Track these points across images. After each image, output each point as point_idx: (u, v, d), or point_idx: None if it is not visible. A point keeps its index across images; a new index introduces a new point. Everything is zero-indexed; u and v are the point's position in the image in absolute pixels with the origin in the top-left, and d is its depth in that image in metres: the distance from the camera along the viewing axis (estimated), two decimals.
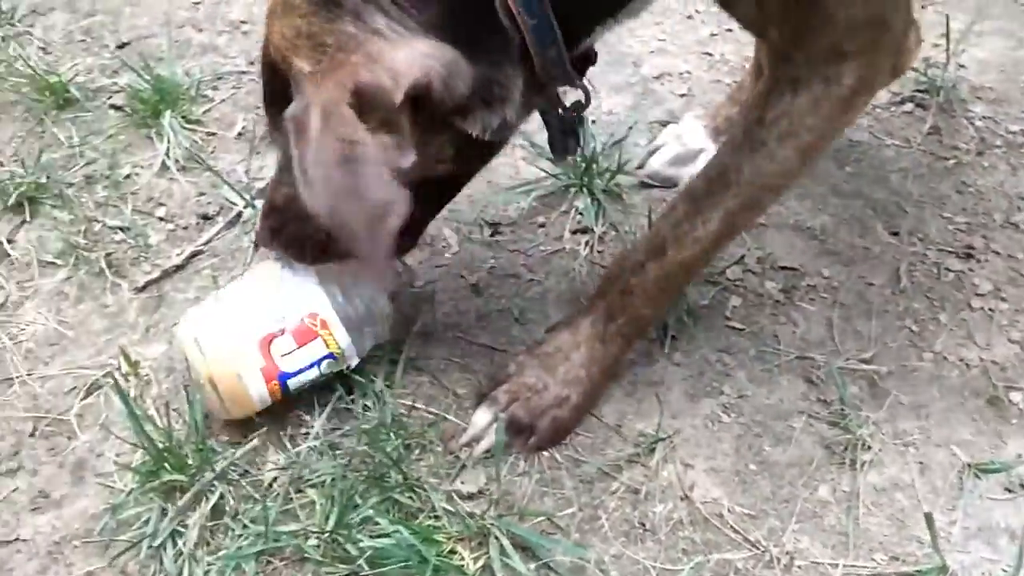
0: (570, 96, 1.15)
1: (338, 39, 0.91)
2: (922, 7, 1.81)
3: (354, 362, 1.23)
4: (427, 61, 0.90)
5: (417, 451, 1.22)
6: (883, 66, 1.07)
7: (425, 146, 0.97)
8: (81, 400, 1.31)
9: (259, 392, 1.18)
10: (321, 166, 0.87)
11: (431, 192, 1.09)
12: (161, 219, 1.53)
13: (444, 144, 1.01)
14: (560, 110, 1.16)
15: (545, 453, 1.24)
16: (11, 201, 1.52)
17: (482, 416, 1.24)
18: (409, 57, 0.89)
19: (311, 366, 1.20)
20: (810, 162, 1.11)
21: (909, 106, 1.65)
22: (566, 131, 1.21)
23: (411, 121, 0.92)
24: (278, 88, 0.97)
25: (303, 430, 1.23)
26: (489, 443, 1.22)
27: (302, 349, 1.19)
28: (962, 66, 1.70)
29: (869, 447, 1.24)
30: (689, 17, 1.84)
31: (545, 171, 1.55)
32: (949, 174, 1.55)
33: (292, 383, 1.20)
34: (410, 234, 1.18)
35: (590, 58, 1.13)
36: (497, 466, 1.18)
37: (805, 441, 1.25)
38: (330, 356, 1.20)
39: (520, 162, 1.59)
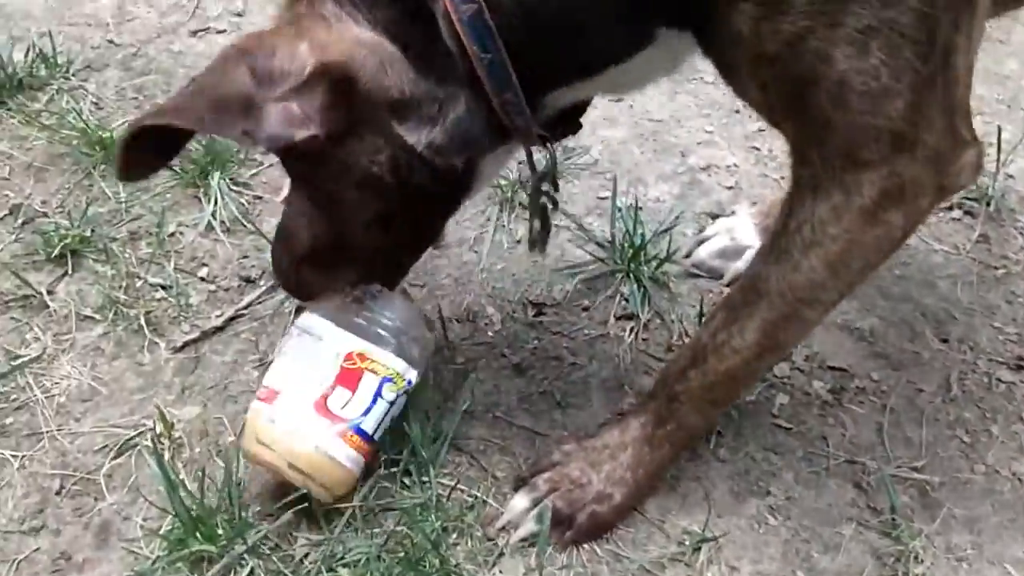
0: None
1: (287, 16, 1.00)
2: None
3: (414, 375, 1.20)
4: (356, 48, 0.96)
5: (455, 535, 1.19)
6: (918, 182, 0.98)
7: (356, 137, 1.01)
8: (111, 460, 1.27)
9: (346, 454, 1.14)
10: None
11: (403, 226, 1.13)
12: (203, 279, 1.52)
13: (378, 144, 1.02)
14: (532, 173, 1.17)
15: (585, 546, 1.20)
16: (54, 253, 1.51)
17: (520, 501, 1.20)
18: (339, 39, 0.95)
19: (374, 400, 1.16)
20: (842, 275, 1.04)
21: (957, 213, 1.64)
22: (531, 211, 1.22)
23: (330, 102, 0.96)
24: None
25: (339, 504, 1.20)
26: (527, 531, 1.18)
27: (358, 391, 1.16)
28: (1010, 176, 1.70)
29: (921, 560, 1.19)
30: (736, 111, 1.86)
31: (591, 254, 1.54)
32: (999, 283, 1.54)
33: (367, 427, 1.16)
34: (389, 272, 1.24)
35: (573, 122, 1.14)
36: (540, 556, 1.14)
37: (855, 549, 1.21)
38: (386, 380, 1.17)
39: (566, 244, 1.58)
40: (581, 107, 1.15)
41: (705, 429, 1.25)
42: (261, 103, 0.93)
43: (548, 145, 1.11)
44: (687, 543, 1.20)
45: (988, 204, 1.64)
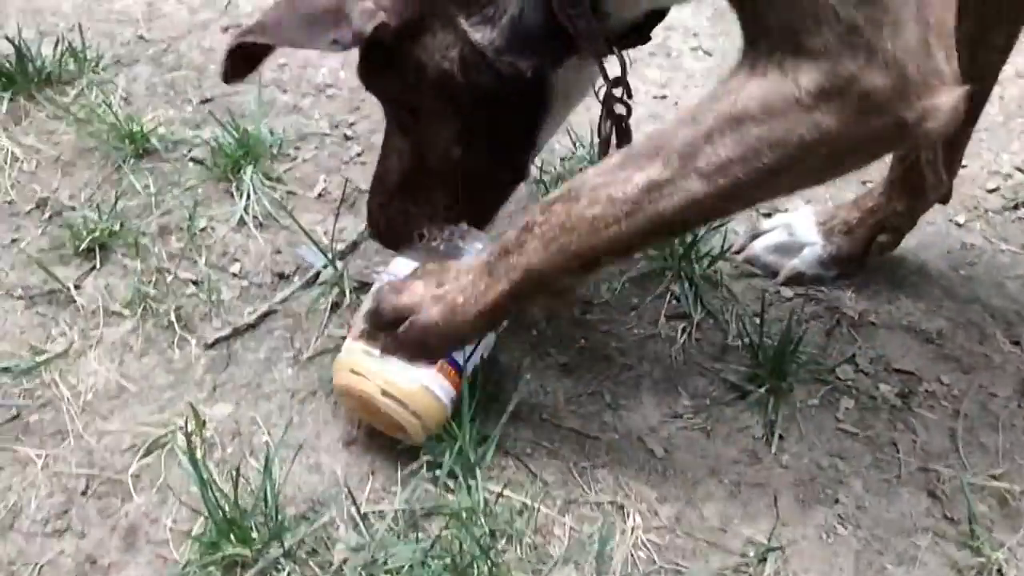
0: None
1: None
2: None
3: None
4: None
5: (503, 540, 1.11)
6: (871, 94, 0.86)
7: (428, 32, 1.05)
8: (139, 459, 1.21)
9: (439, 384, 1.15)
10: None
11: (483, 148, 1.15)
12: (235, 275, 1.46)
13: (448, 40, 1.06)
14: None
15: (642, 554, 1.12)
16: (82, 246, 1.45)
17: (366, 303, 1.18)
18: None
19: None
20: (751, 160, 0.91)
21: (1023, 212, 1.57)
22: (604, 117, 1.19)
23: None
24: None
25: (380, 507, 1.13)
26: (358, 329, 1.17)
27: None
28: None
29: (1004, 574, 1.11)
30: None
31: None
32: None
33: (459, 358, 1.17)
34: (475, 207, 1.23)
35: (644, 33, 1.13)
36: (598, 565, 1.06)
37: (931, 562, 1.13)
38: None
39: None
40: (652, 20, 1.12)
41: (548, 282, 1.07)
42: (349, 11, 0.99)
43: (618, 52, 1.09)
44: (751, 554, 1.12)
45: None
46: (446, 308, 1.12)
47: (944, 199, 1.43)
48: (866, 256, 1.43)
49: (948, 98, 0.89)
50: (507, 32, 1.04)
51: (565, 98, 1.17)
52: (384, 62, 1.11)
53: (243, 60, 1.06)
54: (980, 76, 1.22)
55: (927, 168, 1.36)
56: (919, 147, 1.14)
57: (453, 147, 1.15)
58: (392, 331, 1.13)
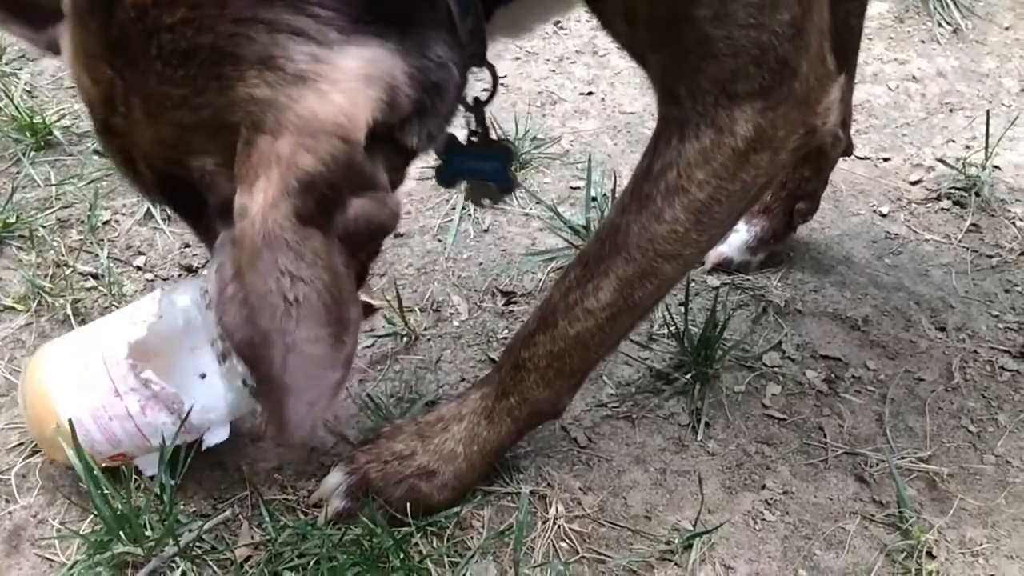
0: None
1: (246, 114, 0.67)
2: (950, 111, 1.77)
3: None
4: (371, 88, 0.69)
5: (420, 535, 1.05)
6: (789, 118, 0.88)
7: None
8: (25, 459, 1.13)
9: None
10: (268, 309, 0.66)
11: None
12: (139, 268, 1.38)
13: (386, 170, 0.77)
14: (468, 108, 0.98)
15: (564, 544, 1.07)
16: None
17: (334, 477, 1.07)
18: (352, 93, 0.68)
19: None
20: (707, 225, 0.92)
21: (946, 203, 1.56)
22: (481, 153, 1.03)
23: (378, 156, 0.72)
24: (185, 196, 0.76)
25: (285, 496, 1.06)
26: (334, 508, 1.05)
27: None
28: (997, 167, 1.63)
29: (934, 556, 1.08)
30: None
31: (567, 241, 1.43)
32: (994, 272, 1.45)
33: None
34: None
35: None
36: (516, 555, 1.00)
37: (861, 546, 1.10)
38: None
39: (537, 232, 1.47)
40: None
41: (554, 407, 1.08)
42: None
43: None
44: (676, 541, 1.08)
45: (977, 194, 1.56)
46: (453, 465, 1.06)
47: (847, 151, 1.42)
48: (791, 229, 1.42)
49: (837, 90, 0.91)
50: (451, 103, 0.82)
51: None
52: None
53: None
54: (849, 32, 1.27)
55: None
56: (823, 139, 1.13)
57: None
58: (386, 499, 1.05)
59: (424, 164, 1.60)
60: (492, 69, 0.92)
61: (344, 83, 0.68)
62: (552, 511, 1.10)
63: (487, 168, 1.05)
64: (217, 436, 1.05)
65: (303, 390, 0.67)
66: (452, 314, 1.34)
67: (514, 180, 1.08)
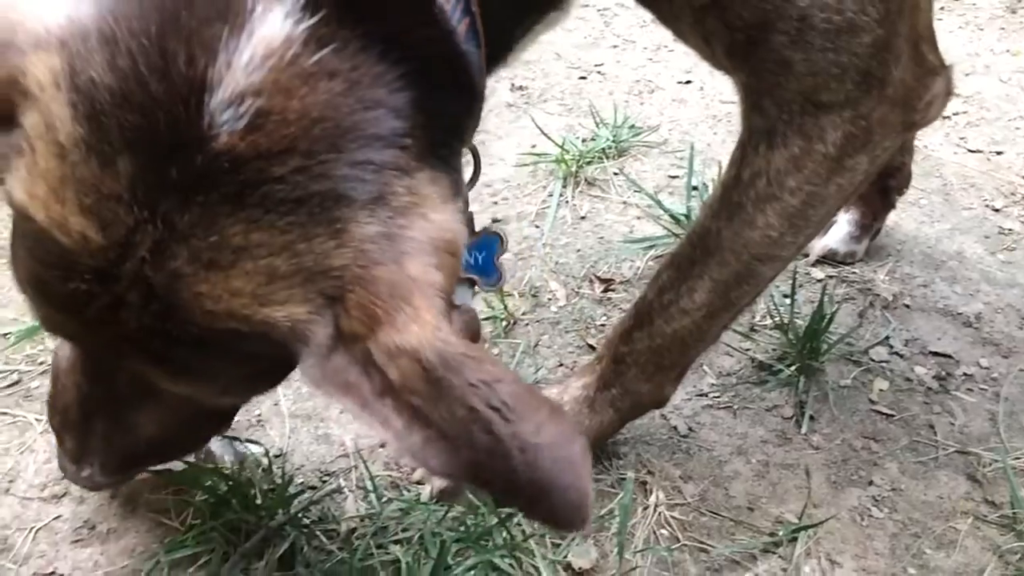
0: None
1: (359, 253, 0.63)
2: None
3: None
4: (450, 206, 0.69)
5: (521, 515, 1.05)
6: (885, 121, 0.88)
7: None
8: None
9: None
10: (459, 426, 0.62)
11: None
12: None
13: None
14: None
15: (665, 532, 1.07)
16: None
17: None
18: (443, 211, 0.67)
19: None
20: (802, 228, 0.92)
21: None
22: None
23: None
24: (220, 352, 0.66)
25: (389, 472, 1.07)
26: (440, 484, 1.05)
27: None
28: None
29: None
30: None
31: (666, 228, 1.42)
32: None
33: None
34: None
35: None
36: (621, 539, 1.00)
37: (972, 546, 1.06)
38: None
39: (635, 220, 1.47)
40: None
41: (657, 398, 1.08)
42: None
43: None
44: (781, 533, 1.06)
45: None
46: None
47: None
48: (890, 206, 1.38)
49: (943, 82, 0.93)
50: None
51: None
52: None
53: None
54: None
55: None
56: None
57: None
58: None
59: (521, 151, 1.61)
60: (475, 152, 0.91)
61: (432, 204, 0.67)
62: (652, 498, 1.10)
63: (472, 261, 1.00)
64: None
65: (559, 476, 0.63)
66: (550, 299, 1.35)
67: (502, 272, 1.03)
